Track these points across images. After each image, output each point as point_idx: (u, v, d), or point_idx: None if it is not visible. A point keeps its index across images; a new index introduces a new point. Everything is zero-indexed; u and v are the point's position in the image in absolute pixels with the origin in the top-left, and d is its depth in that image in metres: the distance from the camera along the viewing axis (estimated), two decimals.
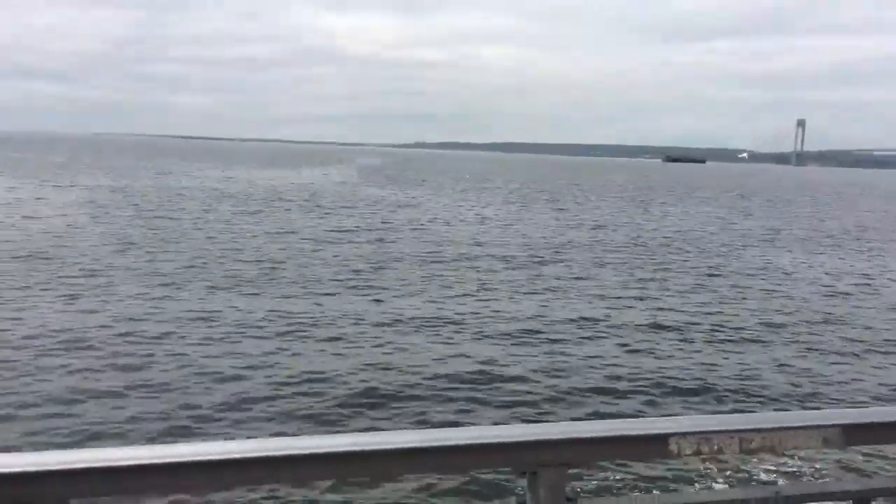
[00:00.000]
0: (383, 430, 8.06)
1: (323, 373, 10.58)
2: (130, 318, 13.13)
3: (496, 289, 17.52)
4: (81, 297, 14.70)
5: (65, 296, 14.76)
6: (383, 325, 13.48)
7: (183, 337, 12.21)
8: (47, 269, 17.35)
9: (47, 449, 1.79)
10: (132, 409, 9.00)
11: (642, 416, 9.07)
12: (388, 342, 12.47)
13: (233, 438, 8.65)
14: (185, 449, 1.71)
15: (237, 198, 41.04)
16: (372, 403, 9.57)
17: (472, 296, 16.54)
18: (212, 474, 1.66)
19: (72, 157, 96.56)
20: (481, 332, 13.40)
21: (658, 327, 14.34)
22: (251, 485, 1.78)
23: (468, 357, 11.70)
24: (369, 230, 28.04)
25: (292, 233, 26.22)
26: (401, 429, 7.90)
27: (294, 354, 11.59)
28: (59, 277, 16.49)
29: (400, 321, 13.85)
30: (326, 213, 33.90)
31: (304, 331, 12.88)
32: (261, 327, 13.00)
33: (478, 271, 19.95)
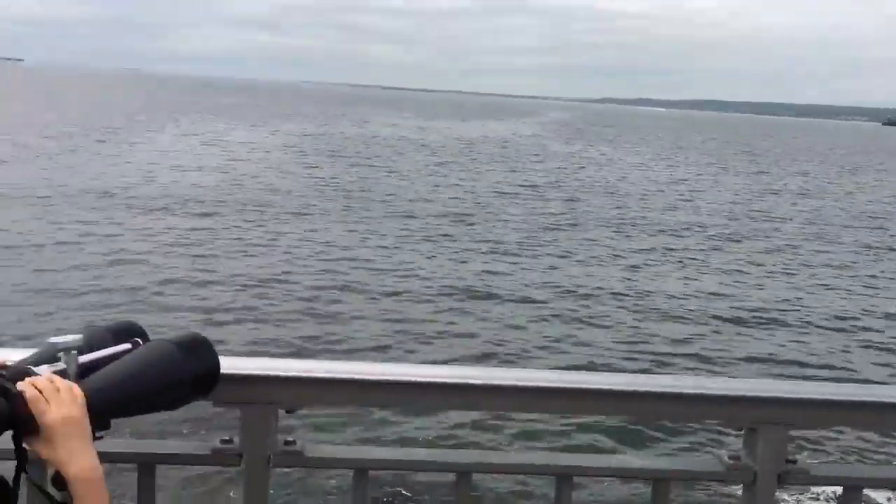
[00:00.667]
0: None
1: (506, 342, 10.69)
2: (342, 255, 14.10)
3: (695, 262, 16.40)
4: (296, 237, 15.85)
5: (276, 234, 15.95)
6: (571, 293, 13.21)
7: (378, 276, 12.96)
8: (252, 210, 18.72)
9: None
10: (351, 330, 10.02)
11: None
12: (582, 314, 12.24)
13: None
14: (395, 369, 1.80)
15: (429, 148, 42.07)
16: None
17: (668, 269, 15.58)
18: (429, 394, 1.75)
19: (276, 104, 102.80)
20: (683, 313, 12.52)
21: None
22: (451, 409, 1.83)
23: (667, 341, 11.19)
24: (558, 187, 27.83)
25: (480, 186, 26.52)
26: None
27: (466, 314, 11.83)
28: (264, 217, 17.78)
29: (592, 291, 13.53)
30: (515, 168, 34.00)
31: (480, 289, 12.96)
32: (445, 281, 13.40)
33: (675, 237, 19.01)
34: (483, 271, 14.03)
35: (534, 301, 12.44)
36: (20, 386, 1.20)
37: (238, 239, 15.39)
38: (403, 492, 6.29)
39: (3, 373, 1.23)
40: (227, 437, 1.76)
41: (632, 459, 2.01)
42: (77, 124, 39.51)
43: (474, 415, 7.39)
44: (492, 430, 7.57)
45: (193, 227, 16.07)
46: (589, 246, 17.21)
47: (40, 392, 1.19)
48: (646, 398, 1.75)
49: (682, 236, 19.47)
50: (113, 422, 1.36)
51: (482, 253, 15.60)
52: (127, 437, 1.50)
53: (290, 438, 1.78)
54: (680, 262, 16.36)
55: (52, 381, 1.22)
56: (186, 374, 1.41)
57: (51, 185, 19.41)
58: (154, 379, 1.36)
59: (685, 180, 34.64)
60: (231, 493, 5.98)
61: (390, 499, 6.24)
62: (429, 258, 14.86)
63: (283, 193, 20.89)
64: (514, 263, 14.90)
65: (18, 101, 55.94)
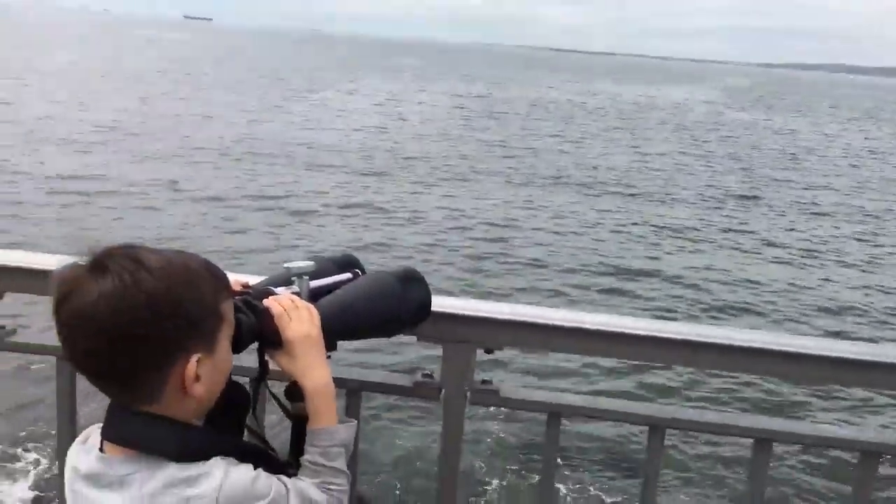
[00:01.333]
0: None
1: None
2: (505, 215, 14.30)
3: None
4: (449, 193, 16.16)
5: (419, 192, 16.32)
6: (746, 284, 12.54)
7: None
8: (417, 167, 19.14)
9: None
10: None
11: None
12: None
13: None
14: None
15: (597, 113, 41.19)
16: None
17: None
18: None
19: (449, 64, 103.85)
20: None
21: None
22: (648, 360, 1.84)
23: None
24: (734, 158, 26.41)
25: (647, 154, 25.67)
26: None
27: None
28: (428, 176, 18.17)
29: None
30: (686, 136, 32.64)
31: (643, 269, 12.61)
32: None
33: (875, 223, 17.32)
34: (651, 245, 13.66)
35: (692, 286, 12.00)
36: (265, 303, 1.32)
37: (415, 195, 15.88)
38: (592, 440, 6.44)
39: (250, 291, 1.35)
40: (428, 372, 1.86)
41: (835, 429, 1.92)
42: (268, 79, 41.79)
43: (672, 370, 7.48)
44: (689, 386, 7.62)
45: (366, 184, 16.68)
46: (770, 226, 16.17)
47: (284, 309, 1.30)
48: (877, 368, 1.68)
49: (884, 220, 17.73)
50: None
51: (649, 227, 15.14)
52: (336, 364, 1.60)
53: (486, 378, 1.85)
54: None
55: (293, 301, 1.33)
56: (403, 304, 1.50)
57: (274, 142, 20.70)
58: (376, 306, 1.45)
59: (884, 153, 31.80)
60: (424, 426, 6.36)
61: (580, 445, 6.37)
62: (592, 226, 14.68)
63: (451, 157, 21.23)
64: (681, 243, 14.32)
65: (209, 60, 59.75)
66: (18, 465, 5.42)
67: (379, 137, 23.64)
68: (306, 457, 1.29)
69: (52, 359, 1.90)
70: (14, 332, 1.92)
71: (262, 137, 21.35)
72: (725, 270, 12.18)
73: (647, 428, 1.81)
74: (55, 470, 1.76)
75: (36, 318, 1.98)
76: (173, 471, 1.11)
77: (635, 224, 14.86)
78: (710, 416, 1.87)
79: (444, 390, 1.83)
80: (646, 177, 20.76)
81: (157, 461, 1.12)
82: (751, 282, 11.73)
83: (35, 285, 1.84)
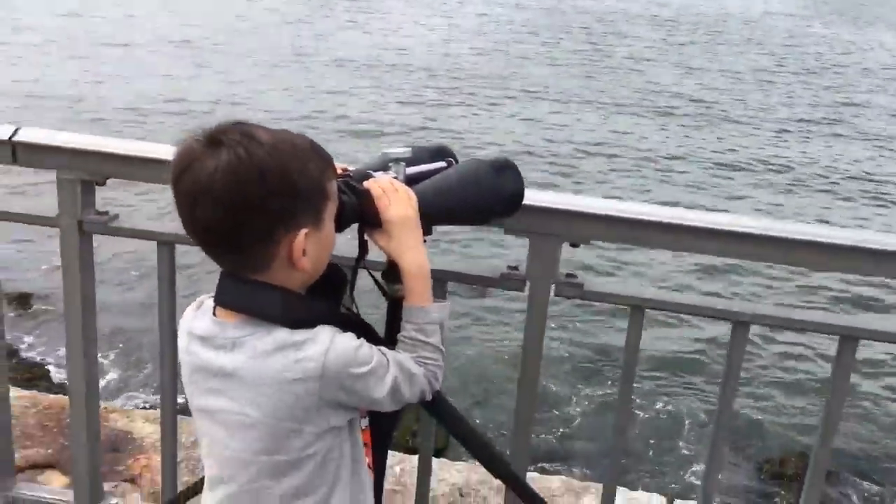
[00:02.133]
0: None
1: None
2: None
3: None
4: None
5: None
6: None
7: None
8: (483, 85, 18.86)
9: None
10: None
11: None
12: None
13: None
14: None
15: (667, 27, 39.60)
16: None
17: None
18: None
19: None
20: None
21: None
22: (737, 257, 1.83)
23: None
24: (817, 72, 25.17)
25: (722, 71, 24.64)
26: None
27: None
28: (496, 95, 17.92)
29: None
30: (763, 51, 31.17)
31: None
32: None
33: None
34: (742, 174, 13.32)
35: None
36: (366, 185, 1.35)
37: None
38: (674, 338, 6.72)
39: (350, 174, 1.39)
40: (513, 265, 1.88)
41: None
42: None
43: (759, 269, 7.77)
44: (772, 283, 7.88)
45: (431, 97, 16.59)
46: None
47: (384, 191, 1.34)
48: None
49: None
50: None
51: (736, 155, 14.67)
52: None
53: (571, 271, 1.87)
54: None
55: (392, 183, 1.36)
56: (497, 192, 1.52)
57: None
58: (470, 193, 1.48)
59: None
60: (508, 320, 6.58)
61: (662, 338, 6.58)
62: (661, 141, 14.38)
63: (516, 74, 20.84)
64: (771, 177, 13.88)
65: None
66: (121, 343, 5.84)
67: (445, 50, 23.30)
68: (403, 333, 1.34)
69: (153, 243, 1.99)
70: (117, 217, 2.01)
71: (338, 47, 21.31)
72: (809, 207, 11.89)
73: (730, 324, 1.82)
74: (157, 347, 1.87)
75: (139, 204, 2.06)
76: (284, 335, 1.17)
77: (718, 152, 14.46)
78: (795, 312, 1.86)
79: (529, 282, 1.86)
80: (714, 93, 20.06)
81: (268, 325, 1.18)
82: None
83: (137, 172, 1.92)
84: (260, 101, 14.92)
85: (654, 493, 2.81)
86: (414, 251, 1.34)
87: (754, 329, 1.85)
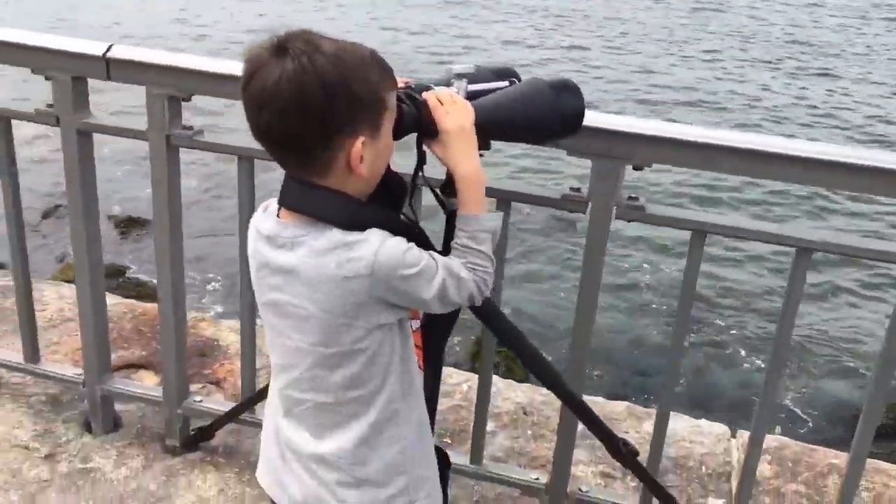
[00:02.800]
0: None
1: None
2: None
3: None
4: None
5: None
6: None
7: None
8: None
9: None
10: None
11: None
12: None
13: None
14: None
15: None
16: None
17: None
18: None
19: None
20: None
21: None
22: (797, 182, 1.81)
23: None
24: None
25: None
26: None
27: None
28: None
29: None
30: None
31: None
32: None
33: None
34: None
35: None
36: (425, 96, 1.40)
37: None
38: (735, 264, 6.83)
39: (412, 86, 1.44)
40: (576, 187, 1.91)
41: None
42: None
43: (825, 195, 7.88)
44: (837, 212, 7.91)
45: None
46: None
47: (441, 102, 1.38)
48: None
49: None
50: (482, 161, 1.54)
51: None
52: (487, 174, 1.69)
53: (633, 195, 1.89)
54: None
55: (451, 96, 1.40)
56: (556, 111, 1.54)
57: None
58: (529, 110, 1.50)
59: None
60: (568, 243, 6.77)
61: (723, 264, 6.72)
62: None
63: None
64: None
65: None
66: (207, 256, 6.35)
67: None
68: (455, 241, 1.40)
69: (235, 157, 2.10)
70: (201, 132, 2.13)
71: None
72: None
73: (793, 250, 1.81)
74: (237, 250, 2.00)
75: (221, 120, 2.17)
76: (338, 235, 1.25)
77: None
78: (858, 241, 1.82)
79: (590, 204, 1.88)
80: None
81: (324, 227, 1.26)
82: None
83: (220, 89, 2.02)
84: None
85: (717, 423, 2.83)
86: (468, 161, 1.38)
87: (817, 258, 1.83)
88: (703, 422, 2.84)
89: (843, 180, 1.74)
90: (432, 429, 1.65)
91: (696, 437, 2.74)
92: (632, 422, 2.76)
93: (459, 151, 1.38)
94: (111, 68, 2.09)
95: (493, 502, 2.36)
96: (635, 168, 1.85)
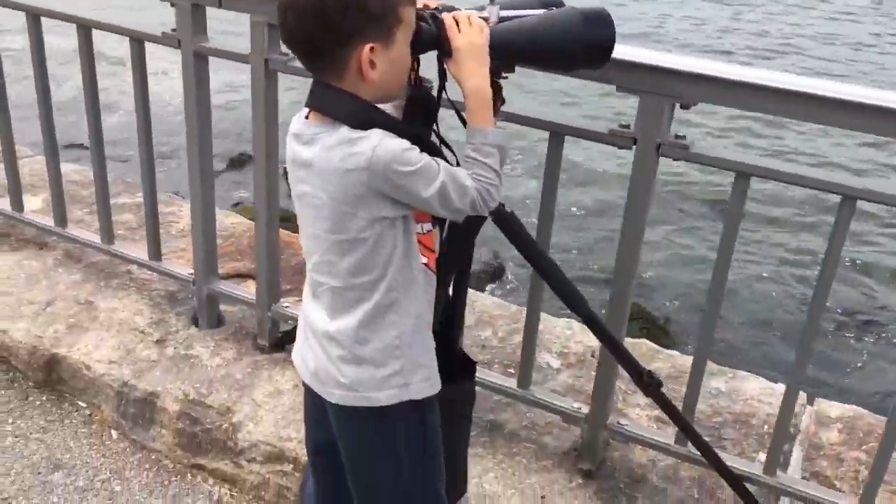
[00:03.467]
0: None
1: None
2: None
3: None
4: None
5: None
6: None
7: None
8: None
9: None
10: None
11: None
12: None
13: None
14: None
15: None
16: None
17: None
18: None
19: None
20: None
21: None
22: (850, 128, 1.79)
23: None
24: None
25: None
26: None
27: None
28: None
29: None
30: None
31: None
32: None
33: None
34: None
35: None
36: (443, 16, 1.52)
37: None
38: (781, 208, 6.85)
39: (438, 7, 1.56)
40: (625, 123, 1.96)
41: None
42: None
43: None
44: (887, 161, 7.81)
45: None
46: None
47: (456, 22, 1.50)
48: None
49: None
50: (533, 95, 1.63)
51: None
52: (539, 106, 1.78)
53: (680, 133, 1.91)
54: None
55: (467, 17, 1.51)
56: (582, 40, 1.59)
57: None
58: (553, 34, 1.57)
59: None
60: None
61: (765, 209, 6.74)
62: None
63: None
64: None
65: None
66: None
67: None
68: (464, 153, 1.52)
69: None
70: (295, 59, 2.34)
71: None
72: None
73: (839, 198, 1.78)
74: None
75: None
76: (345, 132, 1.41)
77: None
78: None
79: (637, 141, 1.93)
80: None
81: (336, 125, 1.42)
82: None
83: None
84: None
85: (757, 376, 2.77)
86: (476, 77, 1.49)
87: (866, 207, 1.79)
88: (778, 385, 2.79)
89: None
90: (456, 345, 1.80)
91: (767, 398, 2.70)
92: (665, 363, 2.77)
93: (468, 68, 1.49)
94: None
95: (541, 429, 2.47)
96: (683, 107, 1.87)
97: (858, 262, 6.40)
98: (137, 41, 2.59)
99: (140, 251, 3.00)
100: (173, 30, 2.48)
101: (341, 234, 1.46)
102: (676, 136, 1.90)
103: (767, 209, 6.90)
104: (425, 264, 1.56)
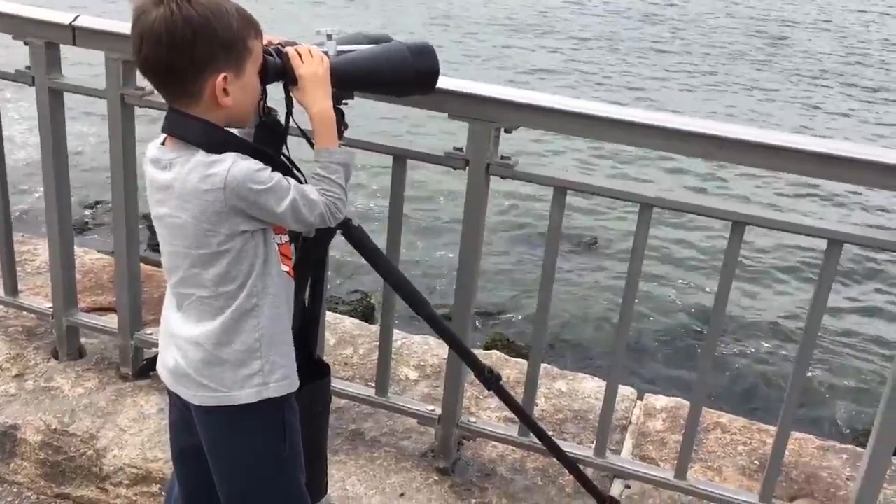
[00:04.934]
0: None
1: None
2: None
3: None
4: None
5: None
6: None
7: None
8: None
9: None
10: None
11: None
12: None
13: None
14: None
15: None
16: None
17: None
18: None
19: None
20: None
21: None
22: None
23: None
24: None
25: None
26: None
27: None
28: None
29: None
30: None
31: None
32: None
33: None
34: None
35: None
36: (286, 49, 1.71)
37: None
38: (593, 210, 8.28)
39: (282, 43, 1.75)
40: (459, 147, 2.20)
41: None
42: None
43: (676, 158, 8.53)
44: (677, 171, 9.41)
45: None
46: None
47: (299, 53, 1.69)
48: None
49: None
50: (374, 123, 1.84)
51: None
52: (383, 135, 1.99)
53: (506, 154, 2.18)
54: None
55: (308, 49, 1.71)
56: (411, 68, 1.82)
57: None
58: (384, 65, 1.79)
59: None
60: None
61: (577, 216, 8.14)
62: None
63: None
64: None
65: None
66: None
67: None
68: (312, 171, 1.70)
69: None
70: (152, 93, 2.46)
71: None
72: None
73: (638, 206, 2.08)
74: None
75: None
76: (201, 156, 1.56)
77: None
78: (692, 196, 2.08)
79: (469, 162, 2.17)
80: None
81: (192, 149, 1.57)
82: None
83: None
84: None
85: (627, 386, 3.07)
86: (320, 101, 1.68)
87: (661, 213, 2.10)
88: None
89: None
90: (316, 344, 1.96)
91: (600, 395, 2.99)
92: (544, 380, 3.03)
93: (312, 95, 1.68)
94: (77, 35, 2.44)
95: (400, 434, 2.65)
96: (506, 131, 2.14)
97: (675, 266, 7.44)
98: None
99: None
100: (27, 67, 2.54)
101: (204, 249, 1.60)
102: (502, 157, 2.16)
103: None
104: (286, 272, 1.72)
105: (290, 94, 1.73)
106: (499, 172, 2.16)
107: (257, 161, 1.59)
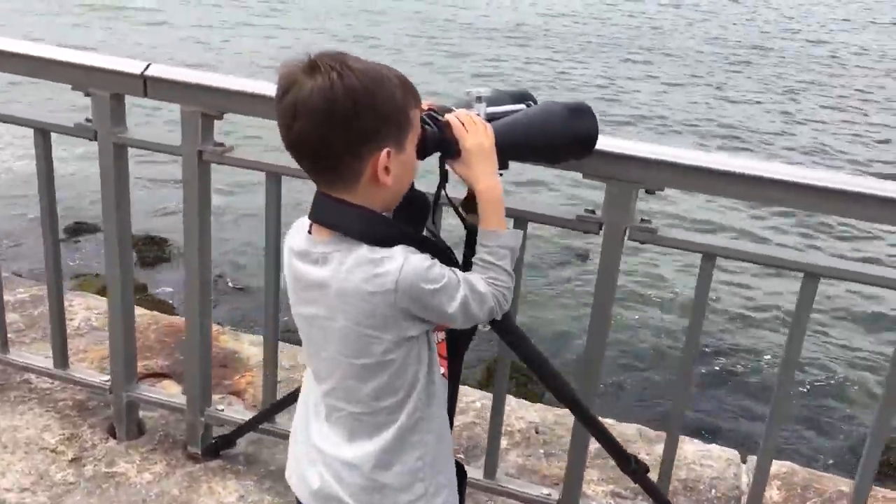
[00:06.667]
0: None
1: None
2: None
3: None
4: None
5: None
6: None
7: None
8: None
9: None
10: None
11: None
12: None
13: None
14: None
15: None
16: None
17: None
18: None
19: None
20: None
21: None
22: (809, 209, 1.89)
23: None
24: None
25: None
26: None
27: None
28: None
29: None
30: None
31: None
32: None
33: None
34: None
35: None
36: (447, 117, 1.48)
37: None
38: (746, 282, 7.30)
39: (434, 108, 1.52)
40: (590, 209, 1.98)
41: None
42: None
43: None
44: (843, 238, 8.63)
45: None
46: None
47: (462, 123, 1.46)
48: None
49: None
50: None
51: None
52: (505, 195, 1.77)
53: (646, 217, 1.95)
54: None
55: (470, 117, 1.48)
56: (570, 132, 1.61)
57: None
58: (544, 131, 1.58)
59: None
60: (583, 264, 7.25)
61: (733, 288, 7.23)
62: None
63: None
64: None
65: None
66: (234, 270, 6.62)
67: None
68: (476, 256, 1.47)
69: (263, 174, 2.19)
70: (232, 149, 2.22)
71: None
72: None
73: (802, 275, 1.87)
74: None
75: (251, 138, 2.26)
76: (365, 251, 1.32)
77: None
78: (864, 267, 1.88)
79: (604, 226, 1.95)
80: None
81: (352, 242, 1.33)
82: None
83: (251, 108, 2.11)
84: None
85: (727, 448, 2.86)
86: (488, 178, 1.46)
87: (829, 283, 1.89)
88: (713, 446, 2.88)
89: (847, 208, 1.80)
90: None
91: (705, 460, 2.77)
92: (643, 444, 2.80)
93: (480, 169, 1.45)
94: (148, 86, 2.19)
95: None
96: (647, 192, 1.92)
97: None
98: (43, 132, 2.38)
99: (39, 357, 2.71)
100: (88, 119, 2.29)
101: (364, 359, 1.37)
102: (642, 220, 1.94)
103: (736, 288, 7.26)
104: (443, 374, 1.49)
105: (447, 166, 1.51)
106: (638, 238, 1.94)
107: (425, 255, 1.36)
